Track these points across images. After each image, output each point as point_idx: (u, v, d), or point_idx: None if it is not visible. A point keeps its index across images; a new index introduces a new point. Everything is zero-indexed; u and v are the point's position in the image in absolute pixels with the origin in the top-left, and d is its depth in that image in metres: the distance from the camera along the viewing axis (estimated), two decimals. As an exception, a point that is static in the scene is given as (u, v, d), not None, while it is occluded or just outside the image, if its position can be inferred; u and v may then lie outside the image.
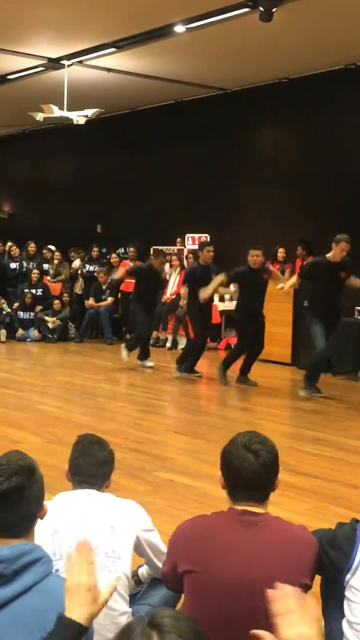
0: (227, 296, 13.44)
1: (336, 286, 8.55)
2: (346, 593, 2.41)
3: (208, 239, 13.35)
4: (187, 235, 13.92)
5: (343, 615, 2.42)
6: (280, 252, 12.29)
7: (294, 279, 9.17)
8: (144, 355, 10.84)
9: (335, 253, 8.41)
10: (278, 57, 11.74)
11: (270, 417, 7.85)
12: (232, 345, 12.93)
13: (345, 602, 2.41)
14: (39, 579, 2.00)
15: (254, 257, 9.21)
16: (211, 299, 10.14)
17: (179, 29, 10.39)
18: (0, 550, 2.00)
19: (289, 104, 13.22)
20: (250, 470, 2.48)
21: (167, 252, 13.91)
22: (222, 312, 13.33)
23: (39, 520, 2.22)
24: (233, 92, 14.09)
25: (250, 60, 11.95)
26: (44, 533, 2.60)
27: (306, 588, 2.49)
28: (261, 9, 9.27)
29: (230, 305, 13.36)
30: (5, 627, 1.92)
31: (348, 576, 2.39)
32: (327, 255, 8.51)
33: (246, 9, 9.48)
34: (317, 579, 2.59)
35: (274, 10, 9.26)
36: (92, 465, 2.97)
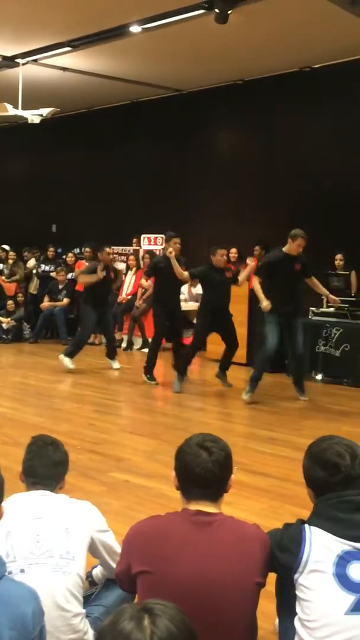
0: (184, 296, 13.46)
1: (293, 279, 8.63)
2: (297, 592, 2.43)
3: (164, 240, 13.36)
4: (143, 235, 13.90)
5: (296, 614, 2.44)
6: (232, 253, 12.23)
7: (248, 270, 9.25)
8: (113, 355, 10.85)
9: (292, 248, 8.48)
10: (233, 58, 11.81)
11: (226, 417, 7.88)
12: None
13: (297, 600, 2.43)
14: None
15: (221, 256, 9.19)
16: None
17: (135, 29, 10.38)
18: None
19: (243, 105, 13.30)
20: (203, 468, 2.50)
21: (123, 252, 13.88)
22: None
23: None
24: (189, 93, 14.12)
25: (206, 62, 11.99)
26: (-3, 535, 2.57)
27: (260, 586, 2.51)
28: (217, 10, 9.30)
29: (191, 305, 13.39)
30: None
31: (296, 576, 2.42)
32: (283, 249, 8.58)
33: (202, 11, 9.51)
34: (272, 577, 2.61)
35: (229, 12, 9.29)
36: (46, 466, 2.95)
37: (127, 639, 1.39)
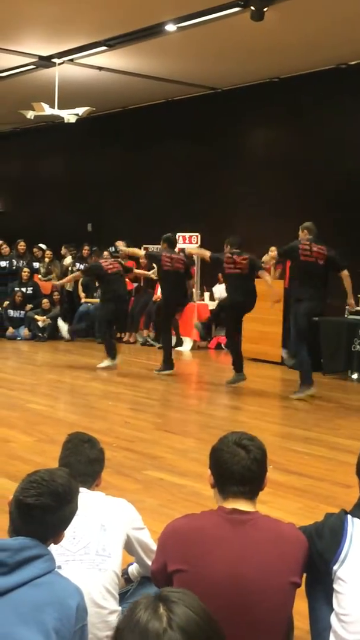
0: (216, 295, 13.46)
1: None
2: (334, 585, 2.41)
3: (198, 239, 13.37)
4: (178, 234, 13.90)
5: (331, 612, 2.43)
6: (272, 252, 12.17)
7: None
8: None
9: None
10: (269, 56, 11.76)
11: (261, 417, 7.85)
12: (222, 345, 12.96)
13: (333, 594, 2.42)
14: (39, 574, 2.06)
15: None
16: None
17: (170, 27, 10.39)
18: (6, 540, 2.07)
19: (279, 103, 13.24)
20: (241, 465, 2.50)
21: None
22: (212, 311, 13.31)
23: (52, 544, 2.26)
24: (224, 91, 14.09)
25: (242, 60, 11.96)
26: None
27: (295, 586, 2.50)
28: (252, 8, 9.28)
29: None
30: (2, 615, 1.96)
31: (335, 567, 2.40)
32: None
33: (237, 8, 9.49)
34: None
35: (265, 9, 9.27)
36: (82, 463, 2.97)
37: (144, 629, 1.37)
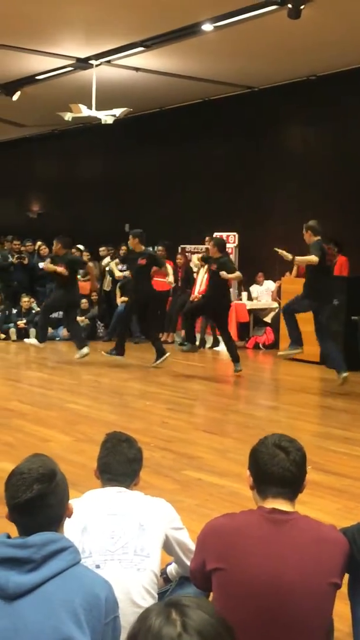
0: (254, 294, 13.42)
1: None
2: None
3: (236, 238, 13.35)
4: (215, 234, 13.88)
5: None
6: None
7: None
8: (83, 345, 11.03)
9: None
10: (306, 54, 11.68)
11: (299, 416, 7.81)
12: (260, 344, 12.92)
13: None
14: (66, 566, 2.07)
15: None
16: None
17: (207, 27, 10.38)
18: (30, 537, 2.08)
19: (317, 101, 13.15)
20: (281, 467, 2.50)
21: (195, 250, 13.89)
22: (250, 311, 13.29)
23: (67, 518, 2.27)
24: (260, 90, 14.04)
25: (278, 58, 11.91)
26: (73, 530, 2.61)
27: (336, 587, 2.48)
28: (289, 6, 9.23)
29: (259, 304, 13.34)
30: (33, 610, 1.99)
31: None
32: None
33: (274, 7, 9.45)
34: (346, 578, 2.58)
35: (302, 7, 9.21)
36: (121, 463, 2.97)
37: (157, 635, 1.35)
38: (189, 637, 1.33)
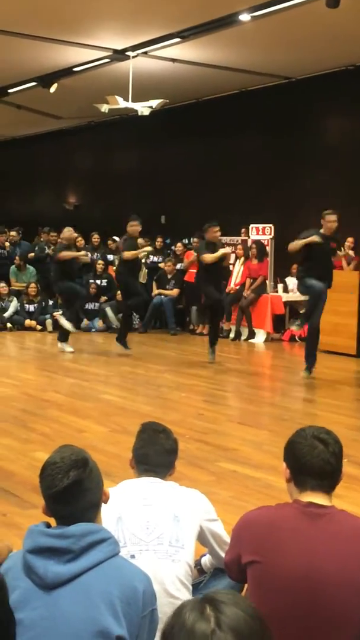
0: (290, 286, 13.34)
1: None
2: None
3: (272, 230, 13.27)
4: (252, 225, 13.82)
5: None
6: (349, 242, 11.95)
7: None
8: (65, 338, 11.22)
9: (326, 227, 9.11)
10: (344, 44, 11.56)
11: (335, 409, 7.76)
12: (296, 337, 12.85)
13: None
14: (105, 557, 2.08)
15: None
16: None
17: (244, 17, 10.31)
18: (69, 527, 2.09)
19: (355, 91, 13.01)
20: (321, 459, 2.48)
21: (232, 242, 13.84)
22: (286, 303, 13.21)
23: (103, 505, 2.28)
24: (298, 81, 13.93)
25: (317, 48, 11.80)
26: (108, 519, 2.62)
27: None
28: (328, -5, 9.14)
29: (295, 296, 13.25)
30: (71, 601, 2.01)
31: None
32: (320, 230, 9.13)
33: (313, -4, 9.36)
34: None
35: (341, -4, 9.11)
36: (159, 454, 2.97)
37: (191, 631, 1.33)
38: (223, 634, 1.31)
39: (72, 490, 2.14)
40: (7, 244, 15.63)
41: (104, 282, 14.15)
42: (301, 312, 10.32)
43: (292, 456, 2.55)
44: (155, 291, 13.76)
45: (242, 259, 13.39)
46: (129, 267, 10.68)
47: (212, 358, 10.24)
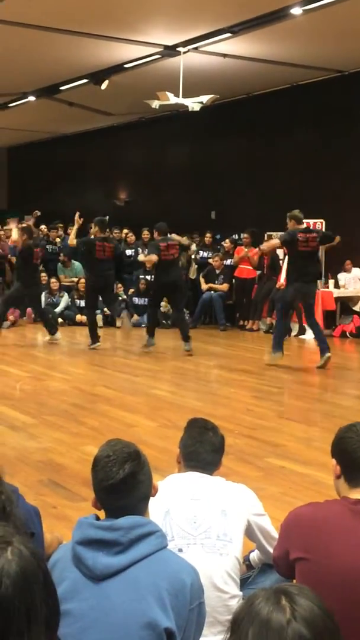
0: (341, 282, 13.22)
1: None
2: None
3: (323, 225, 13.15)
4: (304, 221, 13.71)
5: None
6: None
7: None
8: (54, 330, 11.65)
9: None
10: None
11: (386, 406, 7.67)
12: (347, 333, 12.73)
13: None
14: (153, 550, 2.10)
15: None
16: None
17: (296, 11, 10.22)
18: (118, 520, 2.11)
19: None
20: None
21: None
22: (337, 299, 13.10)
23: (151, 499, 2.30)
24: (351, 74, 13.77)
25: (369, 41, 11.64)
26: (156, 513, 2.64)
27: None
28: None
29: (346, 291, 13.14)
30: (120, 592, 2.03)
31: None
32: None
33: (365, -12, 9.25)
34: None
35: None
36: (209, 452, 2.97)
37: (266, 620, 1.31)
38: (298, 625, 1.31)
39: (127, 482, 2.17)
40: (57, 239, 15.80)
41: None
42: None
43: (342, 452, 2.52)
44: (205, 286, 13.75)
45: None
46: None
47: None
